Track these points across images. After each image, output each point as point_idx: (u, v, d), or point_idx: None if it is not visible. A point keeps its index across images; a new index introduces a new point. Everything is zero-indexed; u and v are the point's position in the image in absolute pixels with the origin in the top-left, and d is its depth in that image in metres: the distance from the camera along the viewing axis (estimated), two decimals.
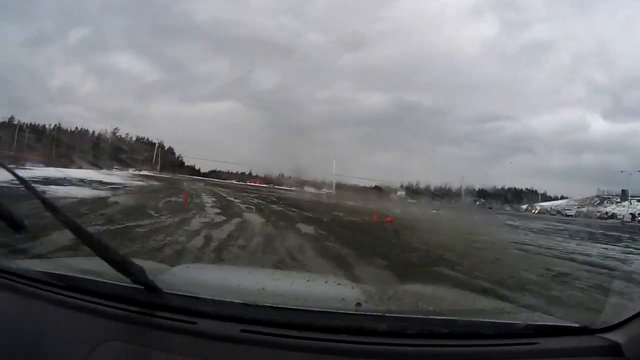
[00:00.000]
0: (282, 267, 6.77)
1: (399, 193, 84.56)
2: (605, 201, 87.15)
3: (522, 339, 1.36)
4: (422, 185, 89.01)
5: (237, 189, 46.35)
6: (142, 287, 1.44)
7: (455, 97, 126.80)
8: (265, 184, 79.52)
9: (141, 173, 60.42)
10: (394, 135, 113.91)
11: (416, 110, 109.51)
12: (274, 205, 23.83)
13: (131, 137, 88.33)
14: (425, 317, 1.49)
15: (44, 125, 72.10)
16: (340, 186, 77.20)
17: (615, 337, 1.34)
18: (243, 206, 20.63)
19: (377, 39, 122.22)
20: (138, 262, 1.47)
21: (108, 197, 17.24)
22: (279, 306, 1.42)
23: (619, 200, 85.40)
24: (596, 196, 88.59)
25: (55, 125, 73.92)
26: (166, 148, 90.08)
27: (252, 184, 79.93)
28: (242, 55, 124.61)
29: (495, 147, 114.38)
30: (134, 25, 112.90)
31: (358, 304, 1.55)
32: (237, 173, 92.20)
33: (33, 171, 26.04)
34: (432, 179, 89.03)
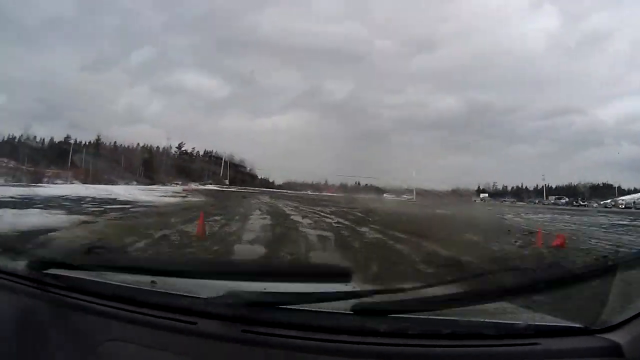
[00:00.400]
0: None
1: (482, 196, 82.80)
2: None
3: (523, 339, 1.35)
4: (499, 187, 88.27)
5: (309, 200, 42.57)
6: (145, 288, 1.47)
7: (523, 93, 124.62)
8: (342, 193, 75.03)
9: (200, 187, 59.02)
10: (466, 136, 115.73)
11: (487, 110, 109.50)
12: (364, 229, 14.50)
13: (197, 152, 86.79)
14: (426, 317, 1.47)
15: (98, 142, 70.86)
16: (418, 192, 74.42)
17: (616, 337, 1.33)
18: (312, 234, 12.50)
19: (443, 39, 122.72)
20: (138, 261, 1.52)
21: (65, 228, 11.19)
22: (281, 306, 1.41)
23: None
24: None
25: (112, 143, 73.02)
26: (236, 161, 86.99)
27: (329, 194, 75.86)
28: (311, 64, 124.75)
29: (565, 142, 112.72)
30: (199, 42, 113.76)
31: (359, 304, 1.53)
32: (312, 183, 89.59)
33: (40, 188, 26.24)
34: (506, 180, 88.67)
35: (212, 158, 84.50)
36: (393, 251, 9.98)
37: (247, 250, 9.41)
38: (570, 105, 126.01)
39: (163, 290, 1.50)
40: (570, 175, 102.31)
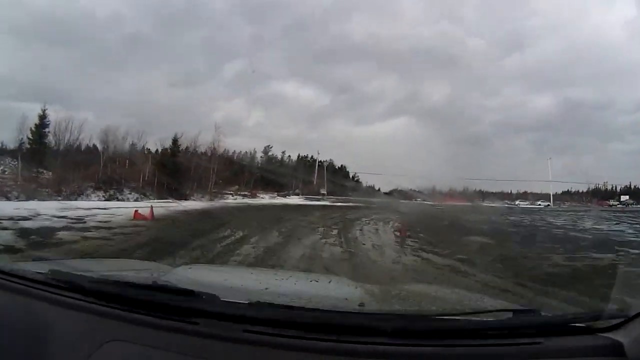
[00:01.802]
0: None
1: (623, 199, 77.38)
2: None
3: (526, 338, 1.35)
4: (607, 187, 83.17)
5: (428, 214, 30.32)
6: (145, 288, 1.47)
7: (612, 86, 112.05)
8: (466, 202, 66.02)
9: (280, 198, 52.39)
10: (563, 137, 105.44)
11: (581, 108, 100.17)
12: None
13: (289, 156, 78.48)
14: (428, 316, 1.49)
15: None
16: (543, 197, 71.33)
17: (618, 336, 1.33)
18: None
19: (533, 36, 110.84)
20: (141, 262, 1.61)
21: None
22: (281, 306, 1.41)
23: None
24: None
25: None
26: (336, 167, 79.07)
27: (451, 202, 65.46)
28: (406, 69, 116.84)
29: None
30: (292, 52, 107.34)
31: (361, 304, 1.55)
32: (421, 191, 79.27)
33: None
34: (613, 179, 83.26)
35: (307, 163, 75.75)
36: None
37: None
38: None
39: (164, 290, 1.50)
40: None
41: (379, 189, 76.07)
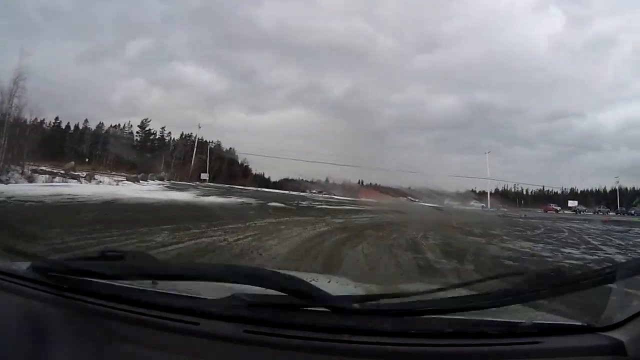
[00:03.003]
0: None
1: (570, 204, 75.18)
2: None
3: (525, 338, 1.36)
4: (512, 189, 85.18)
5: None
6: (146, 288, 1.48)
7: (526, 95, 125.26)
8: (387, 199, 58.76)
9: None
10: (467, 137, 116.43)
11: (489, 111, 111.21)
12: None
13: (169, 133, 71.47)
14: (427, 316, 1.48)
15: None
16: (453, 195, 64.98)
17: (618, 335, 1.33)
18: None
19: (448, 39, 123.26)
20: (140, 262, 1.50)
21: None
22: (282, 306, 1.41)
23: None
24: None
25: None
26: (224, 151, 72.86)
27: (365, 198, 57.10)
28: (311, 60, 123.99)
29: (564, 145, 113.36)
30: (198, 35, 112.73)
31: (361, 304, 1.55)
32: (314, 182, 73.97)
33: None
34: (509, 183, 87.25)
35: (189, 143, 68.86)
36: None
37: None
38: (571, 108, 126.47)
39: (165, 291, 1.51)
40: (569, 179, 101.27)
41: (268, 177, 75.06)
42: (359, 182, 79.12)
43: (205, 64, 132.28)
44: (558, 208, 71.94)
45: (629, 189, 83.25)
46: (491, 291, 1.46)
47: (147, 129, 68.99)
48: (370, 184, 76.34)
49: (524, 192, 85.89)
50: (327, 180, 75.18)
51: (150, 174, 49.86)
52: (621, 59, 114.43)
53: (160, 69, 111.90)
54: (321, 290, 1.43)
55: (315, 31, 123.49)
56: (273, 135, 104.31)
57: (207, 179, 60.88)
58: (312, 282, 1.98)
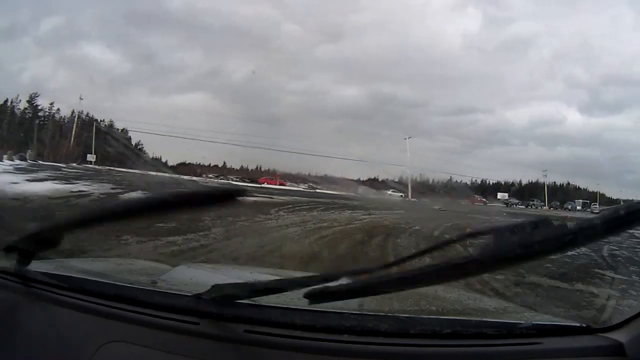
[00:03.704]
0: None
1: (500, 196, 72.19)
2: None
3: (525, 338, 1.36)
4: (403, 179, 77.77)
5: None
6: (145, 287, 1.49)
7: (432, 89, 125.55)
8: (283, 186, 58.21)
9: None
10: (369, 127, 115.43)
11: (392, 103, 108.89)
12: None
13: (57, 109, 64.44)
14: (426, 317, 1.49)
15: None
16: (331, 181, 64.00)
17: (618, 336, 1.34)
18: None
19: (356, 30, 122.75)
20: (141, 262, 1.58)
21: None
22: (282, 306, 1.41)
23: None
24: None
25: None
26: (115, 132, 67.12)
27: (269, 185, 55.55)
28: (216, 44, 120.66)
29: (470, 139, 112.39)
30: (103, 14, 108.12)
31: (361, 304, 1.56)
32: (210, 166, 73.52)
33: None
34: (412, 172, 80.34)
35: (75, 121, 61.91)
36: None
37: None
38: (479, 105, 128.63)
39: (165, 291, 1.52)
40: (473, 171, 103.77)
41: (165, 161, 69.27)
42: (257, 168, 76.93)
43: (111, 44, 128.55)
44: (485, 200, 68.28)
45: (546, 183, 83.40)
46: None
47: (35, 104, 62.20)
48: (269, 169, 73.47)
49: (430, 182, 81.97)
50: (224, 165, 73.77)
51: (18, 153, 43.29)
52: (537, 61, 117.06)
53: (66, 47, 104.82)
54: (320, 290, 1.39)
55: (222, 14, 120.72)
56: (173, 119, 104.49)
57: (93, 160, 54.84)
58: None
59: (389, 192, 61.27)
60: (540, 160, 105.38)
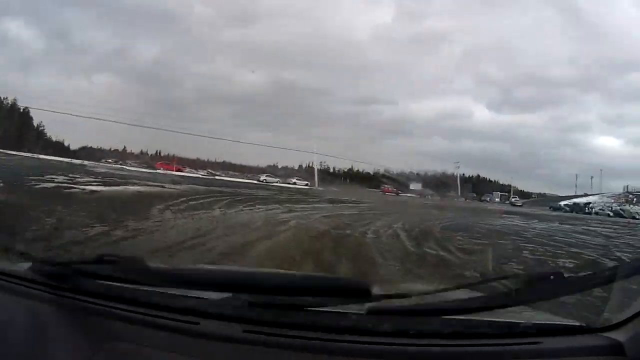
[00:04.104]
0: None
1: (414, 186, 68.98)
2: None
3: (525, 338, 1.36)
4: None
5: None
6: (145, 288, 1.47)
7: (338, 79, 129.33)
8: (181, 172, 56.29)
9: None
10: (271, 113, 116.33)
11: (295, 90, 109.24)
12: None
13: None
14: (427, 316, 1.49)
15: None
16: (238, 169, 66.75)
17: (618, 336, 1.34)
18: None
19: (267, 15, 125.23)
20: (140, 263, 1.51)
21: None
22: (282, 306, 1.41)
23: None
24: (628, 192, 76.78)
25: None
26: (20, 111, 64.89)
27: (166, 170, 53.77)
28: (127, 23, 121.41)
29: (374, 129, 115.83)
30: None
31: (361, 304, 1.55)
32: (111, 150, 72.48)
33: None
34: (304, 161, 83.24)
35: None
36: None
37: None
38: (385, 95, 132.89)
39: (165, 291, 1.51)
40: (377, 161, 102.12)
41: (68, 145, 68.57)
42: (156, 153, 75.32)
43: (16, 17, 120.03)
44: (398, 190, 65.70)
45: (458, 175, 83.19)
46: (492, 293, 1.44)
47: None
48: (168, 154, 72.32)
49: (332, 171, 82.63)
50: (124, 150, 72.83)
51: None
52: (448, 56, 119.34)
53: None
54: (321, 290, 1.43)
55: None
56: (79, 100, 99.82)
57: None
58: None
59: (294, 180, 60.05)
60: (446, 153, 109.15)
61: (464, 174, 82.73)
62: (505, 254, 11.23)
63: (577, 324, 1.46)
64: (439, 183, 74.14)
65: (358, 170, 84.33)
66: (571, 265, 10.52)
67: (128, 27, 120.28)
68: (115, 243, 7.76)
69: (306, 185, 59.90)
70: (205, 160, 71.23)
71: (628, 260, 10.82)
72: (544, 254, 12.11)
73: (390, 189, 65.61)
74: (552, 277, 1.44)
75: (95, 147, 68.61)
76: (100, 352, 1.27)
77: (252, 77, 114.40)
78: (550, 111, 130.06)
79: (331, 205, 24.28)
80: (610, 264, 10.40)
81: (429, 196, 63.71)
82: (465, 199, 71.07)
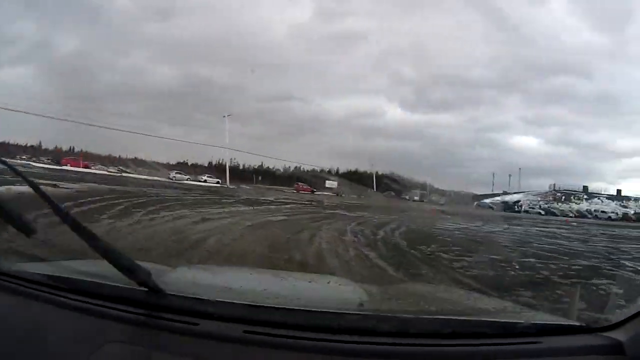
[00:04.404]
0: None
1: (330, 184, 69.00)
2: (572, 197, 76.30)
3: (525, 338, 1.37)
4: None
5: None
6: (145, 289, 1.46)
7: (253, 76, 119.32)
8: (87, 168, 52.88)
9: None
10: (185, 109, 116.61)
11: (210, 86, 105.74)
12: None
13: None
14: (426, 317, 1.50)
15: None
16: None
17: (617, 335, 1.35)
18: None
19: (185, 10, 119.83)
20: (140, 263, 1.50)
21: None
22: (282, 307, 1.42)
23: (585, 196, 76.26)
24: (555, 190, 79.24)
25: None
26: None
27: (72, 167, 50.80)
28: (49, 13, 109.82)
29: (286, 126, 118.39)
30: None
31: (360, 304, 1.59)
32: (27, 146, 68.40)
33: None
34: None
35: None
36: None
37: None
38: (298, 93, 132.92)
39: (164, 292, 1.50)
40: (289, 158, 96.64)
41: None
42: (70, 149, 71.78)
43: None
44: (312, 188, 63.51)
45: (374, 172, 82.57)
46: (487, 288, 1.41)
47: None
48: (81, 150, 69.04)
49: (242, 167, 79.69)
50: (40, 146, 69.16)
51: None
52: (364, 56, 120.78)
53: None
54: (320, 291, 1.40)
55: None
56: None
57: None
58: (312, 284, 2.15)
59: (204, 178, 56.69)
60: (359, 151, 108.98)
61: (377, 172, 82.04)
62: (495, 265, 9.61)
63: (577, 323, 1.46)
64: (354, 180, 73.31)
65: (269, 167, 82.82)
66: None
67: (47, 17, 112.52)
68: None
69: (217, 183, 57.11)
70: (117, 156, 68.05)
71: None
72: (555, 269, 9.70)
73: (304, 186, 63.52)
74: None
75: (9, 142, 63.72)
76: (100, 352, 1.26)
77: (168, 72, 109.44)
78: (468, 111, 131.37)
79: (251, 208, 20.70)
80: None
81: (345, 194, 61.57)
82: (385, 196, 69.06)
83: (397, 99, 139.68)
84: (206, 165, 74.88)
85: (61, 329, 1.40)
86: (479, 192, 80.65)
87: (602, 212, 65.24)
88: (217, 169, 69.68)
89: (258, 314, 1.37)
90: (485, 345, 1.33)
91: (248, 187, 52.33)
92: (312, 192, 60.88)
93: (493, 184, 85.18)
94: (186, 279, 2.07)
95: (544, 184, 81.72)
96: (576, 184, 78.08)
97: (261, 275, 2.62)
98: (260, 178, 74.74)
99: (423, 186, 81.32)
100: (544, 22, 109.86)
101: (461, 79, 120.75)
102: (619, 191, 77.37)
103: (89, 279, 1.56)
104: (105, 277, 1.52)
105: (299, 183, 66.02)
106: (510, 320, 1.50)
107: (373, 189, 75.68)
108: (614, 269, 9.69)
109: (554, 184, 78.88)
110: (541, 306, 5.08)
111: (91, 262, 1.71)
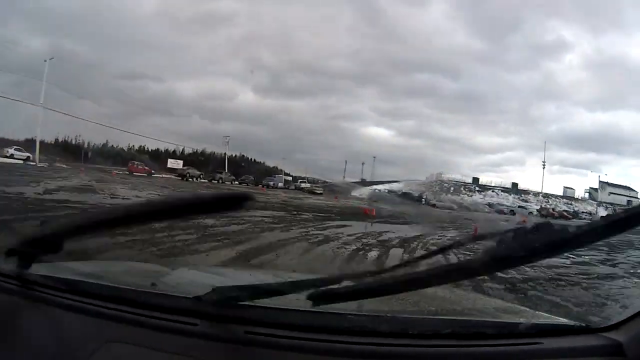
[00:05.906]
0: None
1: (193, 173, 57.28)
2: (462, 188, 74.86)
3: (525, 338, 1.36)
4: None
5: None
6: (146, 289, 1.47)
7: (109, 52, 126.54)
8: None
9: None
10: (48, 88, 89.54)
11: (71, 61, 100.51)
12: None
13: None
14: (427, 317, 1.50)
15: None
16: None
17: (617, 336, 1.35)
18: None
19: None
20: (140, 264, 1.52)
21: None
22: (282, 307, 1.41)
23: (477, 188, 74.96)
24: (440, 180, 77.79)
25: None
26: None
27: None
28: None
29: (134, 105, 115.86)
30: None
31: (361, 305, 1.57)
32: None
33: None
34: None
35: None
36: None
37: None
38: (151, 72, 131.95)
39: (164, 292, 1.51)
40: (133, 138, 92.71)
41: None
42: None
43: None
44: (151, 170, 54.15)
45: (226, 155, 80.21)
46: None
47: None
48: None
49: (88, 145, 74.06)
50: None
51: None
52: (225, 39, 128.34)
53: None
54: (323, 292, 1.44)
55: None
56: None
57: None
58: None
59: (10, 152, 47.18)
60: (206, 133, 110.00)
61: (225, 154, 79.57)
62: None
63: (577, 324, 1.46)
64: (204, 162, 69.15)
65: (112, 145, 75.79)
66: None
67: None
68: None
69: (28, 157, 47.46)
70: None
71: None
72: None
73: (140, 167, 53.53)
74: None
75: None
76: (99, 353, 1.26)
77: (36, 44, 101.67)
78: (321, 99, 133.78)
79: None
80: None
81: (195, 178, 53.28)
82: (240, 183, 62.41)
83: (251, 83, 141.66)
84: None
85: (60, 329, 1.38)
86: (328, 180, 78.39)
87: (520, 207, 65.28)
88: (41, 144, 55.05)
89: (259, 314, 1.35)
90: (486, 346, 1.32)
91: (65, 167, 42.79)
92: (151, 173, 51.21)
93: (345, 171, 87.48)
94: (186, 279, 2.10)
95: (396, 173, 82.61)
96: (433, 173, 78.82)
97: (261, 276, 2.65)
98: (88, 155, 64.81)
99: (276, 170, 79.01)
100: (418, 22, 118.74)
101: (319, 67, 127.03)
102: (514, 184, 78.46)
103: (89, 280, 1.55)
104: (104, 277, 1.53)
105: (134, 162, 55.32)
106: (511, 321, 1.52)
107: (225, 169, 69.11)
108: (613, 270, 9.79)
109: (440, 173, 78.59)
110: (541, 306, 4.69)
111: (90, 263, 1.73)
